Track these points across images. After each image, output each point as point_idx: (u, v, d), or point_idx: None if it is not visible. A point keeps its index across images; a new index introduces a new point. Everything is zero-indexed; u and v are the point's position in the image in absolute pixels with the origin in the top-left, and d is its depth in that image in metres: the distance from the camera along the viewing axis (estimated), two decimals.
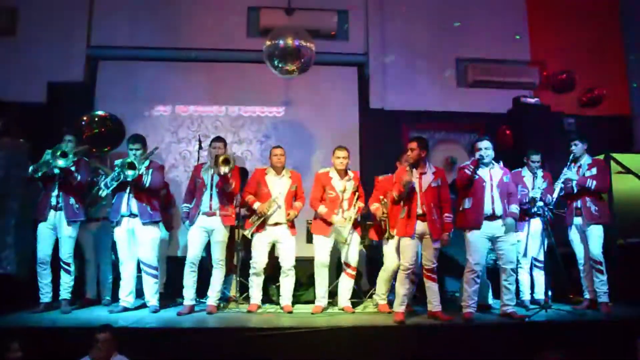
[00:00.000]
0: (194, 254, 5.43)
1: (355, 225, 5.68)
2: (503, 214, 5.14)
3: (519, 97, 7.42)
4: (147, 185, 5.41)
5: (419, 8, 8.10)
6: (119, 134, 6.53)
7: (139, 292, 5.60)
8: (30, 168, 5.30)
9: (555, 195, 5.65)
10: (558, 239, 5.55)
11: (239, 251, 6.09)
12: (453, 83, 8.00)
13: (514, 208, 5.22)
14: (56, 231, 5.39)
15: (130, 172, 5.26)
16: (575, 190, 5.62)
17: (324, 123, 7.67)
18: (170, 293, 6.10)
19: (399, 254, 5.20)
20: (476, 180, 5.18)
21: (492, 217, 5.14)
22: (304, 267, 6.05)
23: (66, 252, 5.40)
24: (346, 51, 7.96)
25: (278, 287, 5.76)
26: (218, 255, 5.50)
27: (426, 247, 5.10)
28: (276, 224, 5.62)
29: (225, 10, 7.79)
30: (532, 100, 7.43)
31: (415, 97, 7.84)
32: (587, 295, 5.69)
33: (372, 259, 6.47)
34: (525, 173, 5.92)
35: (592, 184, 5.53)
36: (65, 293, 5.40)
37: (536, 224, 5.77)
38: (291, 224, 5.68)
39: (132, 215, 5.41)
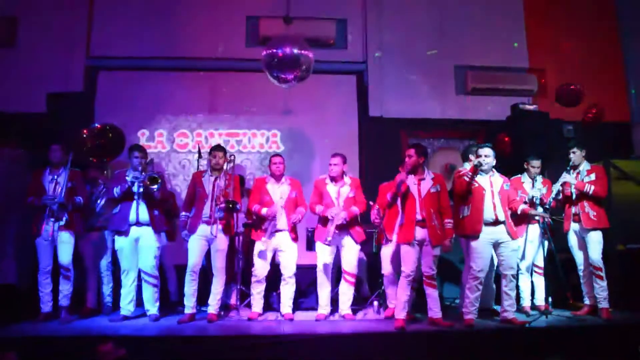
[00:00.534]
0: (194, 262, 5.43)
1: (353, 230, 5.67)
2: (506, 219, 5.15)
3: (518, 104, 7.44)
4: (159, 196, 5.47)
5: (417, 16, 8.14)
6: (119, 144, 6.54)
7: (138, 301, 5.60)
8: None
9: (552, 195, 5.66)
10: (558, 245, 5.56)
11: (239, 259, 6.08)
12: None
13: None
14: (54, 241, 5.40)
15: (155, 186, 5.37)
16: (574, 196, 5.63)
17: (324, 131, 7.70)
18: (181, 301, 6.06)
19: (393, 260, 5.20)
20: (475, 188, 5.20)
21: (495, 222, 5.16)
22: (305, 274, 6.04)
23: (65, 258, 5.41)
24: (345, 59, 8.00)
25: (279, 295, 5.76)
26: (218, 263, 5.50)
27: (426, 254, 5.10)
28: (277, 231, 5.64)
29: (224, 19, 7.82)
30: (531, 107, 7.45)
31: (414, 105, 7.88)
32: (587, 301, 5.67)
33: (373, 266, 6.46)
34: (525, 179, 5.93)
35: (590, 189, 5.53)
36: (64, 300, 5.40)
37: (534, 230, 5.78)
38: (293, 231, 5.70)
39: (138, 224, 5.43)
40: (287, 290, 5.66)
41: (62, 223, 5.38)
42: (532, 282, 5.89)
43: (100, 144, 6.22)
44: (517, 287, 5.65)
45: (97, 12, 7.72)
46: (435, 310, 5.12)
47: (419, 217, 5.06)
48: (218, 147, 5.78)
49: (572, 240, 5.71)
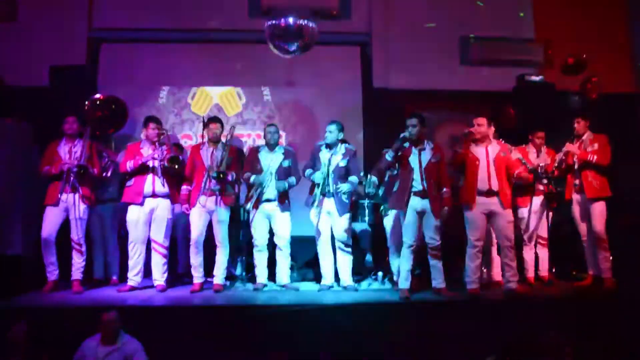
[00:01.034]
0: (197, 234, 5.49)
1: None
2: (499, 190, 5.15)
3: (524, 75, 7.37)
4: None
5: None
6: (122, 117, 6.52)
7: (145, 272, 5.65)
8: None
9: (555, 165, 5.66)
10: (561, 216, 5.56)
11: (243, 230, 6.10)
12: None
13: None
14: (67, 213, 5.44)
15: (177, 166, 5.42)
16: (577, 165, 5.62)
17: (327, 103, 7.62)
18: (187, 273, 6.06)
19: (394, 228, 5.21)
20: (469, 157, 5.21)
21: (489, 193, 5.15)
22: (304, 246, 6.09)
23: (78, 233, 5.45)
24: (349, 30, 7.91)
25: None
26: (220, 235, 5.55)
27: (428, 225, 5.12)
28: (267, 200, 5.65)
29: None
30: (537, 78, 7.39)
31: (418, 76, 7.78)
32: (590, 272, 5.70)
33: (377, 238, 6.47)
34: (530, 149, 5.93)
35: (593, 158, 5.52)
36: (77, 273, 5.48)
37: (538, 201, 5.78)
38: (282, 200, 5.68)
39: (155, 196, 5.47)
40: (282, 260, 5.69)
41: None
42: (535, 253, 5.92)
43: (104, 115, 6.20)
44: (522, 258, 5.68)
45: None
46: (439, 281, 5.16)
47: (419, 187, 5.07)
48: (215, 119, 5.79)
49: (576, 210, 5.71)
